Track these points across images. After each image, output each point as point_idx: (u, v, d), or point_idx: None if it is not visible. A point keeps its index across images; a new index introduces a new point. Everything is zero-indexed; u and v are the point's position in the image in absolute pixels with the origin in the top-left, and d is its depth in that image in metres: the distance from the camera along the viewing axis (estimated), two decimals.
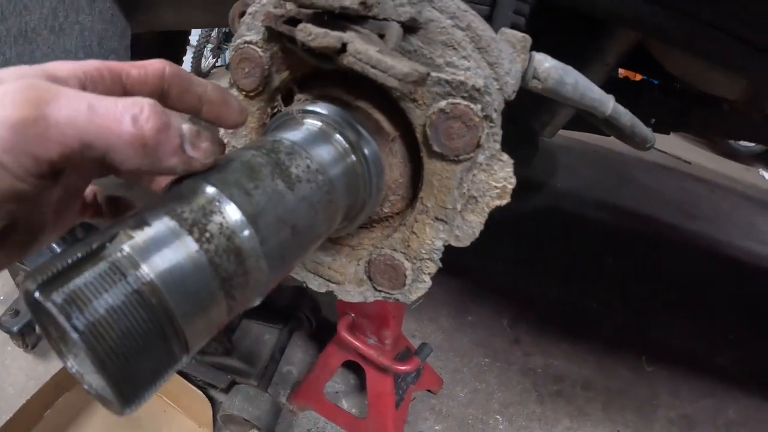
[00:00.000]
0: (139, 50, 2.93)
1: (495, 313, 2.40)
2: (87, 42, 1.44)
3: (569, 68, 0.70)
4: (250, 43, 0.68)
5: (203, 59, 5.92)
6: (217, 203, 0.42)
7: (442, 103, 0.57)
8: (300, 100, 0.69)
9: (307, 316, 2.03)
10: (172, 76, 0.47)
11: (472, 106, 0.56)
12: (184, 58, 3.59)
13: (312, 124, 0.60)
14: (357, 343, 1.50)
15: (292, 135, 0.56)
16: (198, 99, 0.48)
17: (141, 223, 0.38)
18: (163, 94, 0.47)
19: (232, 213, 0.42)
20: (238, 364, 1.96)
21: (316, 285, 0.80)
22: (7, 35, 1.21)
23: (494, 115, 0.58)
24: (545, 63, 0.68)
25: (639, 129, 0.87)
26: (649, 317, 2.58)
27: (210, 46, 5.97)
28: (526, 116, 1.68)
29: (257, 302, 0.46)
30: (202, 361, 1.81)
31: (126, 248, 0.36)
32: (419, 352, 1.55)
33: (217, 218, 0.41)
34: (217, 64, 6.36)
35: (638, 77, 2.25)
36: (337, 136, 0.60)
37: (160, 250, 0.37)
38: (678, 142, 5.70)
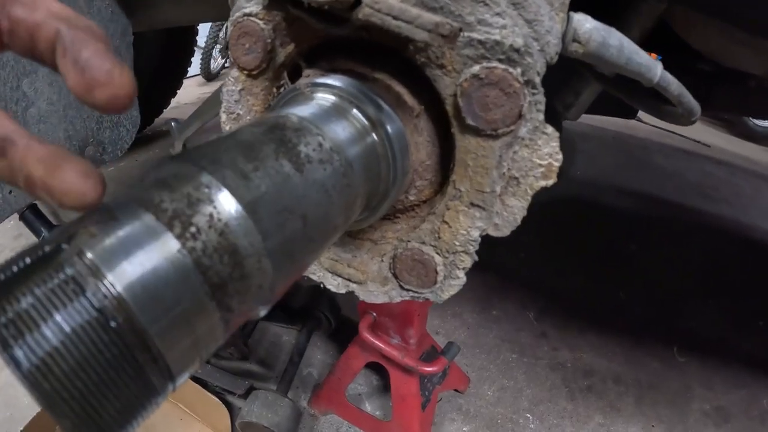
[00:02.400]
0: (143, 51, 2.89)
1: (520, 307, 2.31)
2: None
3: (612, 29, 0.62)
4: (249, 15, 0.60)
5: (212, 60, 5.87)
6: (206, 189, 0.33)
7: (476, 68, 0.48)
8: (309, 75, 0.61)
9: (327, 316, 1.96)
10: None
11: (511, 69, 0.48)
12: (192, 60, 3.54)
13: (324, 98, 0.52)
14: (380, 344, 1.42)
15: (301, 110, 0.47)
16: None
17: (107, 218, 0.30)
18: None
19: (225, 201, 0.33)
20: (256, 368, 1.90)
21: (334, 285, 0.72)
22: None
23: (537, 80, 0.49)
24: (586, 24, 0.59)
25: (686, 99, 0.78)
26: (675, 305, 2.48)
27: (218, 46, 5.90)
28: (550, 97, 1.59)
29: (263, 312, 0.37)
30: (218, 366, 1.75)
31: (87, 252, 0.28)
32: (446, 352, 1.47)
33: (205, 208, 0.33)
34: (226, 65, 6.29)
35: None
36: (355, 111, 0.51)
37: (130, 252, 0.29)
38: (696, 125, 5.54)
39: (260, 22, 0.60)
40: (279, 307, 2.01)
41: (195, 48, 3.56)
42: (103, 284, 0.27)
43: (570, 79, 1.55)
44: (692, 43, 1.53)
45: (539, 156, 0.53)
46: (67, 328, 0.26)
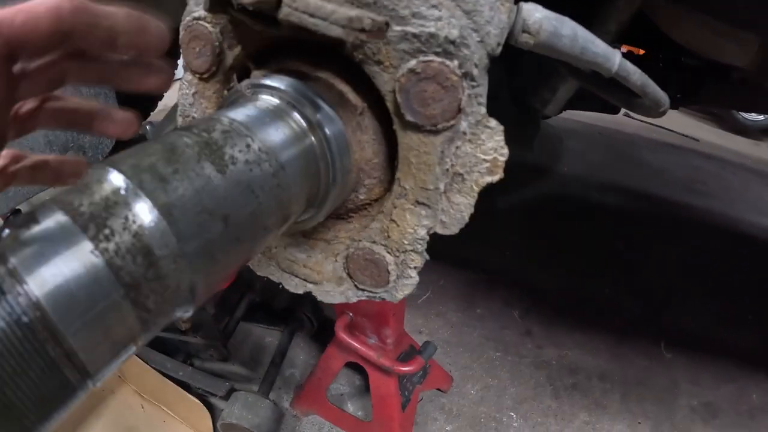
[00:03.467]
0: None
1: (505, 305, 2.30)
2: None
3: (565, 18, 0.60)
4: (198, 18, 0.61)
5: None
6: (123, 193, 0.35)
7: (412, 63, 0.48)
8: (257, 77, 0.60)
9: (308, 316, 1.96)
10: (72, 14, 0.38)
11: (448, 62, 0.47)
12: (179, 63, 3.51)
13: (264, 100, 0.52)
14: (356, 344, 1.42)
15: (236, 113, 0.47)
16: (109, 33, 0.41)
17: (29, 220, 0.32)
18: (65, 38, 0.39)
19: (139, 204, 0.35)
20: (238, 369, 1.90)
21: (292, 286, 0.72)
22: None
23: (475, 72, 0.48)
24: (536, 13, 0.57)
25: (651, 89, 0.76)
26: (663, 301, 2.48)
27: None
28: (525, 94, 1.59)
29: (188, 312, 0.38)
30: (200, 368, 1.74)
31: (7, 255, 0.30)
32: (423, 351, 1.46)
33: (121, 211, 0.34)
34: None
35: (641, 52, 2.15)
36: (293, 113, 0.51)
37: (45, 254, 0.31)
38: (685, 120, 5.58)
39: (208, 25, 0.60)
40: (261, 309, 2.00)
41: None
42: (21, 286, 0.29)
43: (546, 76, 1.54)
44: (674, 36, 1.52)
45: (483, 151, 0.52)
46: None
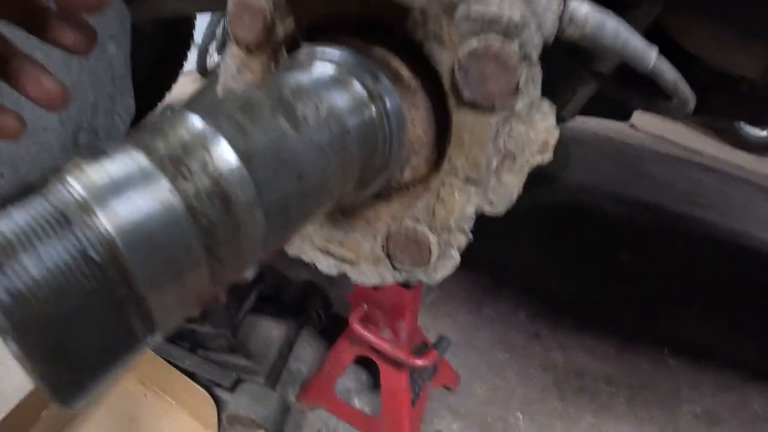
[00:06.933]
0: (141, 44, 2.88)
1: (513, 307, 2.31)
2: None
3: (609, 13, 0.62)
4: None
5: (208, 57, 5.85)
6: (201, 136, 0.33)
7: (474, 42, 0.49)
8: (313, 47, 0.60)
9: (318, 312, 1.95)
10: None
11: (509, 43, 0.48)
12: (188, 55, 3.54)
13: (323, 68, 0.52)
14: (370, 336, 1.41)
15: (300, 76, 0.48)
16: None
17: (99, 155, 0.29)
18: None
19: (220, 148, 0.33)
20: (244, 361, 1.89)
21: (326, 266, 0.72)
22: None
23: (534, 55, 0.49)
24: (583, 8, 0.59)
25: (682, 88, 0.78)
26: (667, 310, 2.49)
27: (215, 43, 5.90)
28: (546, 93, 1.60)
29: (251, 271, 0.37)
30: (206, 358, 1.74)
31: (75, 186, 0.27)
32: (437, 346, 1.47)
33: (199, 153, 0.32)
34: None
35: None
36: (354, 82, 0.51)
37: (119, 188, 0.28)
38: (688, 133, 5.62)
39: None
40: (270, 301, 2.00)
41: (191, 44, 3.57)
42: (90, 219, 0.26)
43: (567, 77, 1.56)
44: (686, 45, 1.54)
45: (535, 132, 0.53)
46: (46, 258, 0.25)
